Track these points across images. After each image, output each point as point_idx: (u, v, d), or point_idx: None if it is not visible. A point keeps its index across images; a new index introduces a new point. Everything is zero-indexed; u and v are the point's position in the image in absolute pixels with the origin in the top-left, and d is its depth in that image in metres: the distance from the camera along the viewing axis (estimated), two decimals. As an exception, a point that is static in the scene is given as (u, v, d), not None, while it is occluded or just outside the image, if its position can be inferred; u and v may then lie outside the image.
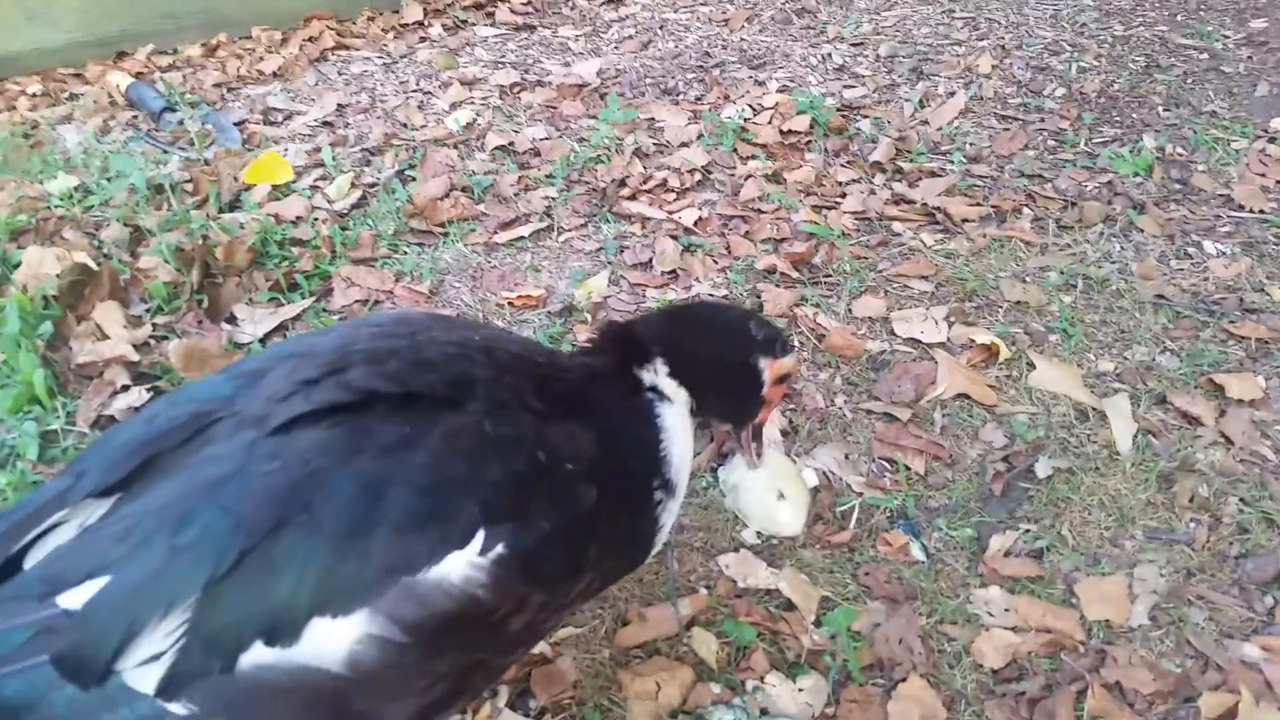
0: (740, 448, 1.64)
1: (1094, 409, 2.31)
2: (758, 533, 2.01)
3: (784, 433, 2.24)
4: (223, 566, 1.04)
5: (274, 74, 4.17)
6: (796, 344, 1.57)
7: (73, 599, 1.05)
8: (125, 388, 2.28)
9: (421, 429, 1.17)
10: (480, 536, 1.13)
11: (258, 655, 1.06)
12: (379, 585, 1.08)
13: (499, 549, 1.14)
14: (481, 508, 1.14)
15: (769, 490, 2.01)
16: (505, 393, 1.26)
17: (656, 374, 1.44)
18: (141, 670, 1.04)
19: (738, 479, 2.06)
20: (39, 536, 1.14)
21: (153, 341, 2.45)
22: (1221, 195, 3.21)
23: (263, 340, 2.47)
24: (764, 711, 1.68)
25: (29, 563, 1.12)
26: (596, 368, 1.44)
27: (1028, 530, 2.03)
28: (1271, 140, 3.52)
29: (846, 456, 2.19)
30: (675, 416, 1.44)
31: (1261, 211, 3.11)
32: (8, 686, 1.03)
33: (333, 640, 1.07)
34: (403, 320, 1.44)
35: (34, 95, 3.95)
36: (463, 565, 1.12)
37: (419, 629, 1.10)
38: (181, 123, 3.59)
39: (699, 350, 1.48)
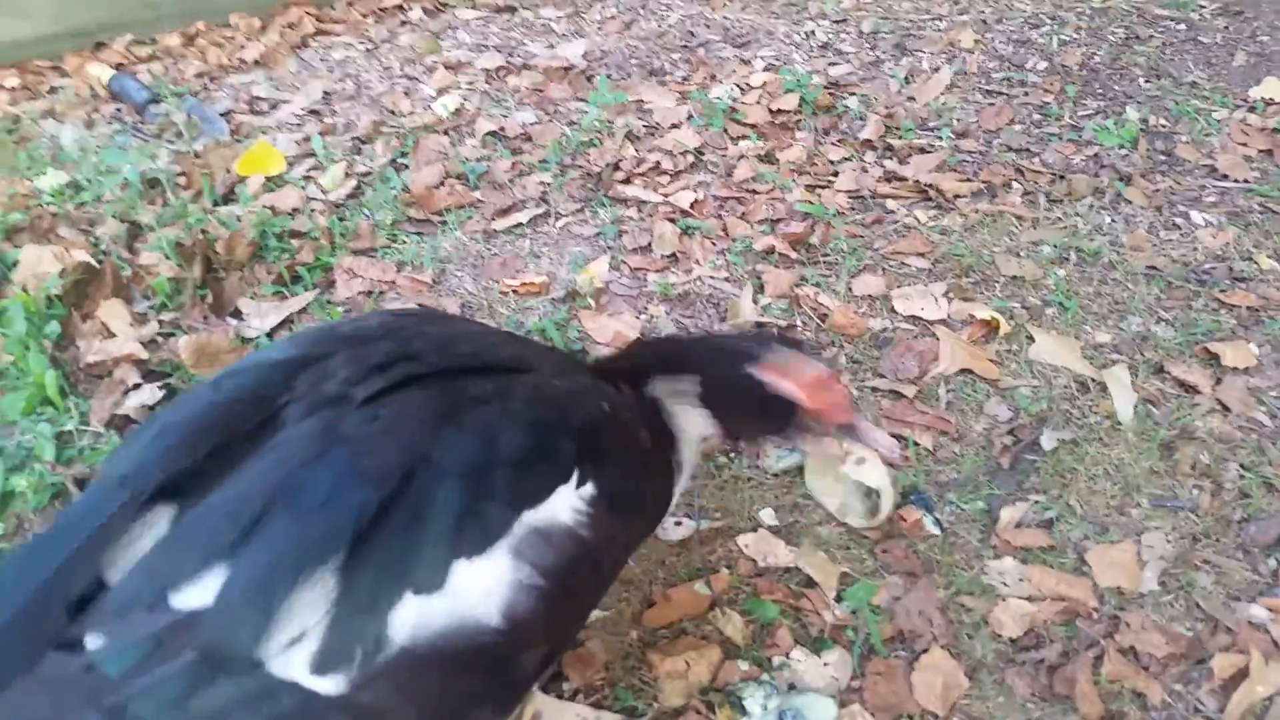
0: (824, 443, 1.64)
1: (1094, 380, 2.37)
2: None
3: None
4: (364, 521, 1.06)
5: (256, 62, 4.13)
6: (801, 339, 1.62)
7: (193, 597, 1.03)
8: (137, 386, 2.28)
9: (504, 385, 1.26)
10: (576, 473, 1.22)
11: (409, 609, 1.07)
12: (507, 521, 1.15)
13: (589, 485, 1.23)
14: (574, 447, 1.24)
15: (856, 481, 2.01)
16: (557, 365, 1.41)
17: (659, 389, 1.53)
18: (286, 655, 1.03)
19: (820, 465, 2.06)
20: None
21: (160, 338, 2.44)
22: (1205, 165, 3.27)
23: (270, 334, 2.48)
24: (792, 686, 1.72)
25: (111, 577, 1.08)
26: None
27: (1037, 501, 2.08)
28: (1251, 110, 3.58)
29: (856, 434, 2.23)
30: (681, 414, 1.54)
31: (1245, 180, 3.17)
32: (135, 705, 1.00)
33: (476, 584, 1.11)
34: (432, 315, 1.51)
35: (12, 89, 3.89)
36: (568, 504, 1.20)
37: (553, 572, 1.17)
38: (167, 114, 3.56)
39: (704, 375, 1.51)
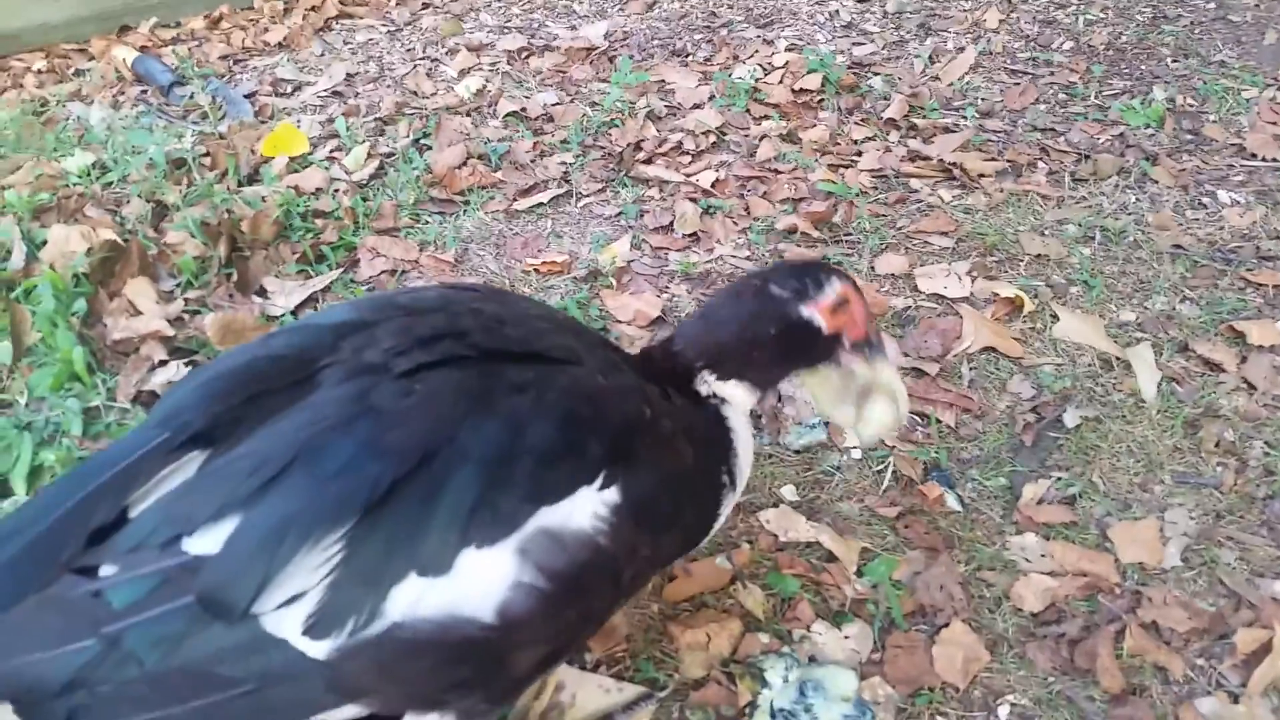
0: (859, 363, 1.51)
1: (1118, 358, 2.35)
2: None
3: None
4: (376, 495, 1.06)
5: (279, 45, 4.16)
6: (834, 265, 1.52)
7: (203, 543, 1.06)
8: (163, 362, 2.31)
9: (545, 375, 1.22)
10: (603, 475, 1.19)
11: (410, 588, 1.07)
12: (522, 514, 1.13)
13: (614, 490, 1.20)
14: (605, 448, 1.20)
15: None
16: (605, 360, 1.34)
17: (710, 384, 1.48)
18: (280, 613, 1.05)
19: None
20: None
21: (185, 316, 2.47)
22: (1234, 144, 3.23)
23: (294, 312, 2.50)
24: (812, 659, 1.73)
25: (134, 513, 1.12)
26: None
27: (1059, 478, 2.07)
28: (1281, 88, 3.54)
29: (878, 411, 2.23)
30: (739, 417, 1.50)
31: (1274, 160, 3.13)
32: (131, 636, 1.04)
33: (482, 576, 1.10)
34: (494, 293, 1.48)
35: (40, 72, 3.93)
36: (590, 508, 1.17)
37: (560, 576, 1.14)
38: (192, 96, 3.59)
39: (742, 345, 1.45)
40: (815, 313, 1.44)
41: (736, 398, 1.49)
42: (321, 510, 1.05)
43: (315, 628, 1.05)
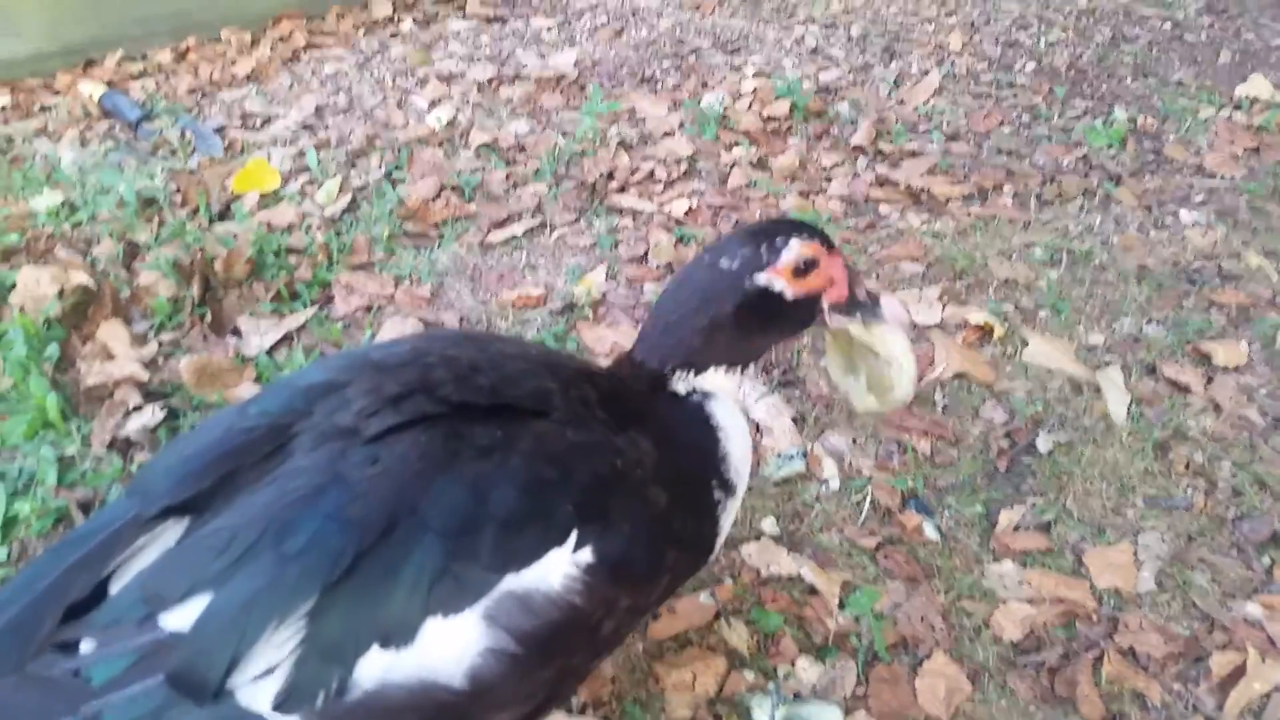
0: (849, 323, 1.44)
1: (1088, 382, 2.39)
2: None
3: (794, 420, 2.29)
4: (338, 570, 1.06)
5: (248, 77, 4.15)
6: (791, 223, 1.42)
7: (177, 619, 1.07)
8: (138, 407, 2.29)
9: (513, 434, 1.21)
10: (574, 536, 1.18)
11: (375, 660, 1.08)
12: (488, 582, 1.12)
13: (588, 551, 1.19)
14: (575, 508, 1.19)
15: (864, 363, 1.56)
16: (576, 405, 1.31)
17: (688, 380, 1.42)
18: (255, 686, 1.05)
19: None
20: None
21: (160, 359, 2.45)
22: (1193, 164, 3.30)
23: (270, 352, 2.49)
24: (797, 695, 1.74)
25: (114, 588, 1.13)
26: (639, 384, 1.43)
27: (1034, 504, 2.10)
28: (1237, 107, 3.62)
29: (855, 441, 2.25)
30: (726, 411, 1.43)
31: (1232, 178, 3.20)
32: (110, 714, 1.04)
33: (448, 644, 1.10)
34: (469, 337, 1.46)
35: (3, 109, 3.90)
36: (561, 570, 1.16)
37: (530, 639, 1.15)
38: (161, 132, 3.57)
39: (704, 333, 1.37)
40: (774, 277, 1.35)
41: (719, 385, 1.42)
42: (285, 588, 1.06)
43: (286, 703, 1.06)
